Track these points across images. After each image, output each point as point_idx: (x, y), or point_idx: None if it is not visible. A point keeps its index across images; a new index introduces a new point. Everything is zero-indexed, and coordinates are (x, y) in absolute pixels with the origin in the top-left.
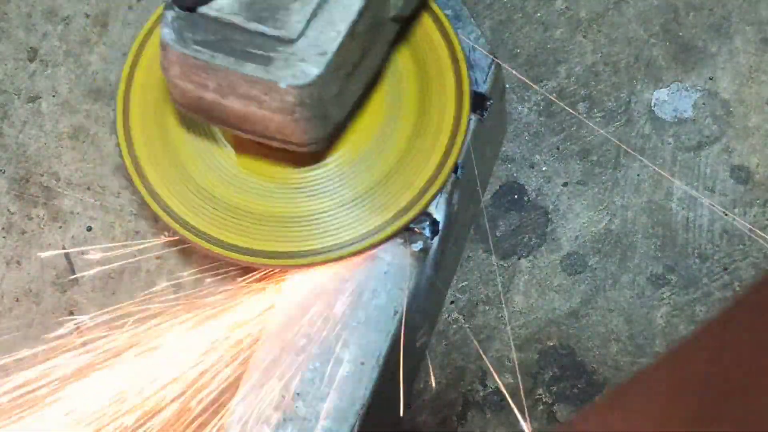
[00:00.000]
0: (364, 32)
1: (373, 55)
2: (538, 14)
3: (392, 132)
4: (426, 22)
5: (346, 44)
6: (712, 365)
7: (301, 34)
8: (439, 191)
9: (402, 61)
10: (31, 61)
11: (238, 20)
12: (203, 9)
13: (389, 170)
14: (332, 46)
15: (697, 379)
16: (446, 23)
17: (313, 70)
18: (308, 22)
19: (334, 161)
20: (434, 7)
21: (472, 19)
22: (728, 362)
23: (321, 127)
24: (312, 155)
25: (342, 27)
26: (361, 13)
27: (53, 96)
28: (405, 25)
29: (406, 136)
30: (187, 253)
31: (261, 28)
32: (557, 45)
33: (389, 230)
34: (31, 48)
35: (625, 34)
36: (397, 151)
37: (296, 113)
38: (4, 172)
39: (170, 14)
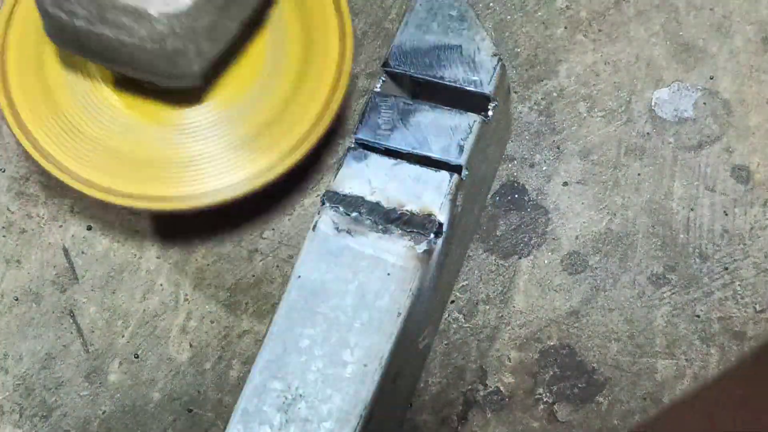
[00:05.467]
0: None
1: None
2: (539, 13)
3: (274, 79)
4: None
5: None
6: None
7: None
8: (318, 142)
9: (286, 9)
10: None
11: None
12: None
13: (270, 117)
14: None
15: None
16: None
17: None
18: None
19: (213, 104)
20: None
21: (477, 20)
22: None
23: (193, 62)
24: (190, 96)
25: None
26: None
27: None
28: None
29: (288, 84)
30: (187, 251)
31: None
32: (558, 44)
33: (265, 178)
34: None
35: (625, 33)
36: (278, 98)
37: (166, 43)
38: (4, 171)
39: None
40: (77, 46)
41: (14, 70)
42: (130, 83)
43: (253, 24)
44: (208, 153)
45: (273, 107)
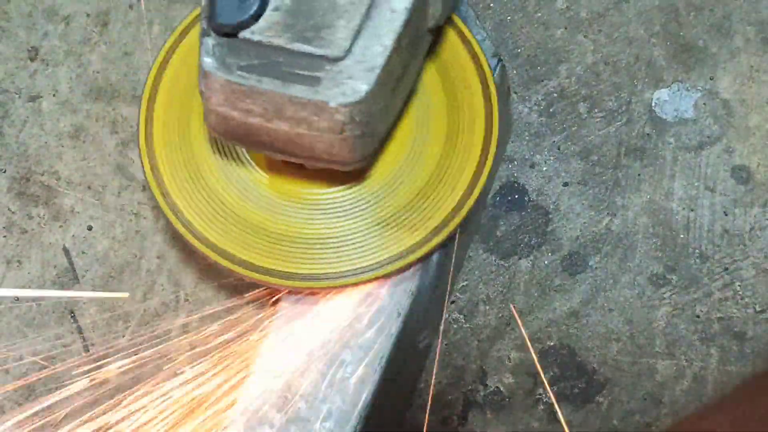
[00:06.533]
0: (407, 45)
1: (413, 67)
2: (539, 14)
3: (422, 150)
4: (449, 33)
5: (392, 58)
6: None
7: (348, 51)
8: (470, 212)
9: (427, 74)
10: (31, 60)
11: (282, 42)
12: (244, 34)
13: (419, 191)
14: (379, 61)
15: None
16: (468, 35)
17: (362, 86)
18: (354, 38)
19: (365, 181)
20: (456, 19)
21: (478, 21)
22: None
23: (368, 144)
24: (345, 175)
25: (388, 41)
26: (406, 26)
27: (54, 95)
28: (434, 37)
29: (436, 154)
30: (187, 252)
31: (306, 48)
32: (558, 45)
33: (420, 252)
34: (31, 47)
35: (625, 33)
36: (427, 170)
37: (346, 131)
38: (4, 171)
39: (210, 41)
40: (245, 139)
41: (160, 142)
42: (282, 164)
43: (410, 95)
44: (355, 231)
45: (418, 184)
